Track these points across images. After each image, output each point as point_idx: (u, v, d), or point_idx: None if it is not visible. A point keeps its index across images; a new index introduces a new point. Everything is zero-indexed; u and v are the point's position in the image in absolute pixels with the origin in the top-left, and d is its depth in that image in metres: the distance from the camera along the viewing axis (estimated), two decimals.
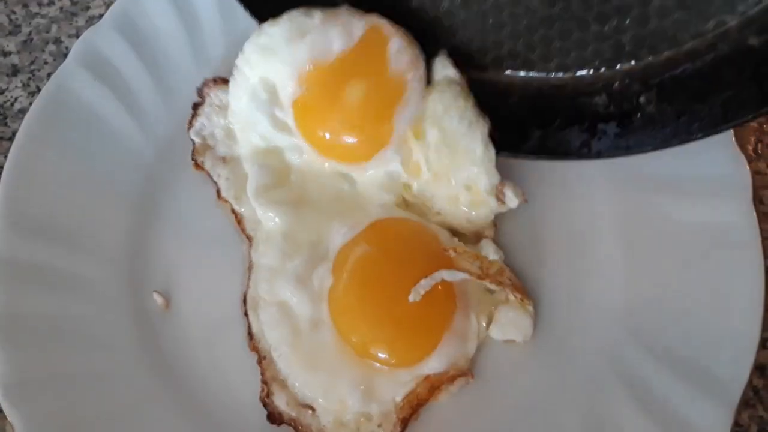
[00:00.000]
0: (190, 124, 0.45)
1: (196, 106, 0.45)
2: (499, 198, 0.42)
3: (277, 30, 0.41)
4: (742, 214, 0.40)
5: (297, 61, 0.41)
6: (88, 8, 0.54)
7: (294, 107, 0.42)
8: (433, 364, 0.38)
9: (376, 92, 0.42)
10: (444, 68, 0.43)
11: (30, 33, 0.53)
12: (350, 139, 0.42)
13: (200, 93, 0.45)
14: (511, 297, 0.40)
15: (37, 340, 0.39)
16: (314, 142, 0.43)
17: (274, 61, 0.41)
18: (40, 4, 0.54)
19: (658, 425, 0.36)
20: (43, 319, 0.39)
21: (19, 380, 0.37)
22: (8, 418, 0.37)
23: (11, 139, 0.49)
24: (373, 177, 0.43)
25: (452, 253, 0.40)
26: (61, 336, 0.39)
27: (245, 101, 0.43)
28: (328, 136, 0.42)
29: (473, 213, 0.42)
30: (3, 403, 0.37)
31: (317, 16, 0.41)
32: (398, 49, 0.42)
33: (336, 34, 0.41)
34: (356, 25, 0.42)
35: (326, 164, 0.44)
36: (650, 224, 0.42)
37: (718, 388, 0.37)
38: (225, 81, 0.44)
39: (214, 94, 0.45)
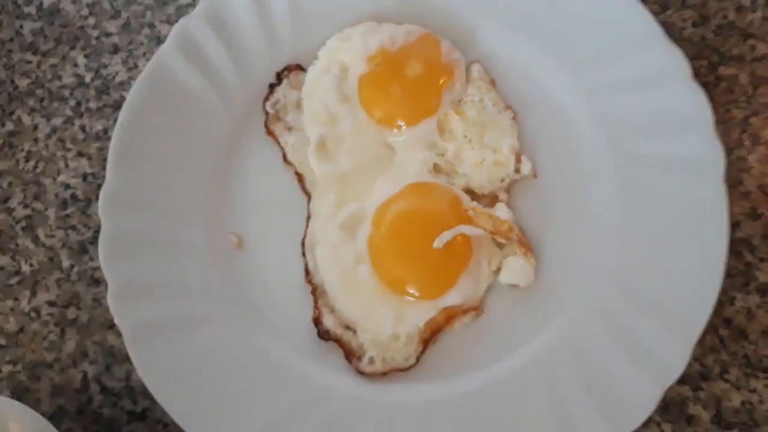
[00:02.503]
0: (267, 99, 0.55)
1: (272, 86, 0.55)
2: (517, 164, 0.51)
3: (356, 29, 0.52)
4: (714, 189, 0.47)
5: (368, 48, 0.51)
6: None
7: (360, 81, 0.52)
8: (451, 298, 0.47)
9: (431, 71, 0.53)
10: (478, 72, 0.54)
11: (128, 18, 0.63)
12: (405, 105, 0.52)
13: (279, 76, 0.55)
14: (518, 250, 0.49)
15: (137, 259, 0.49)
16: (371, 109, 0.53)
17: (349, 48, 0.51)
18: None
19: (629, 358, 0.45)
20: (145, 251, 0.50)
21: (125, 289, 0.47)
22: (115, 320, 0.47)
23: (113, 105, 0.60)
24: (413, 144, 0.53)
25: (471, 213, 0.49)
26: (157, 256, 0.49)
27: (319, 76, 0.53)
28: (385, 103, 0.52)
29: (494, 174, 0.52)
30: (112, 306, 0.47)
31: (387, 25, 0.53)
32: (448, 48, 0.54)
33: (400, 32, 0.53)
34: (416, 30, 0.54)
35: (374, 133, 0.53)
36: (638, 196, 0.49)
37: (682, 328, 0.45)
38: (299, 67, 0.55)
39: (291, 77, 0.55)
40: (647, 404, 0.43)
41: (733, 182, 0.54)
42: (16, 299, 0.54)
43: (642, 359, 0.45)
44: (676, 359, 0.44)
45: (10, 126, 0.59)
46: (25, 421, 0.44)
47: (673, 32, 0.59)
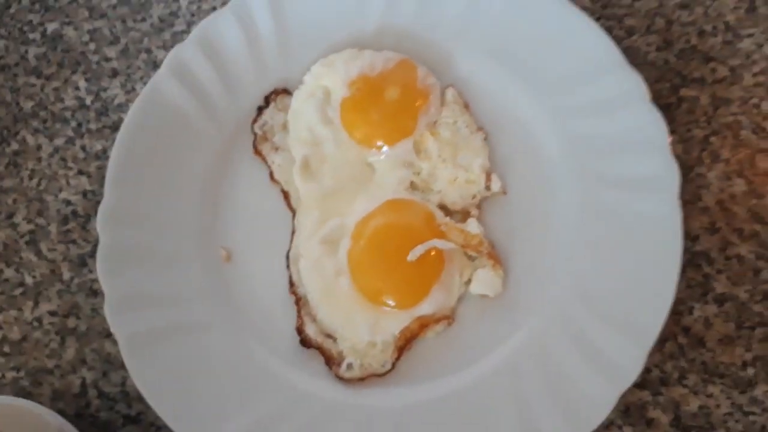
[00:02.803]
0: (255, 120, 0.58)
1: (260, 108, 0.59)
2: (487, 182, 0.55)
3: (339, 56, 0.56)
4: (670, 205, 0.50)
5: (350, 73, 0.55)
6: (173, 25, 0.67)
7: (342, 104, 0.55)
8: (424, 308, 0.50)
9: (408, 95, 0.57)
10: (453, 96, 0.58)
11: (127, 43, 0.67)
12: (384, 127, 0.56)
13: (267, 99, 0.59)
14: (487, 262, 0.52)
15: (133, 271, 0.52)
16: (352, 130, 0.56)
17: (333, 73, 0.55)
18: (134, 20, 0.68)
19: (589, 363, 0.48)
20: (140, 263, 0.54)
21: (121, 299, 0.51)
22: (111, 329, 0.50)
23: (111, 126, 0.64)
24: (391, 163, 0.56)
25: (444, 228, 0.52)
26: (151, 269, 0.53)
27: (304, 100, 0.57)
28: (365, 125, 0.56)
29: (466, 191, 0.55)
30: (108, 316, 0.50)
31: (367, 51, 0.57)
32: (425, 73, 0.58)
33: (379, 58, 0.57)
34: (394, 56, 0.57)
35: (355, 153, 0.57)
36: (600, 212, 0.52)
37: (638, 335, 0.48)
38: (286, 91, 0.59)
39: (278, 100, 0.59)
40: (605, 406, 0.47)
41: (693, 198, 0.57)
42: (19, 309, 0.57)
43: (601, 364, 0.48)
44: (632, 364, 0.47)
45: (15, 146, 0.63)
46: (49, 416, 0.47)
47: (637, 56, 0.63)
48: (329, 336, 0.52)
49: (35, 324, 0.57)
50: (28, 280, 0.58)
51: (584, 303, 0.50)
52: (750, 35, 0.63)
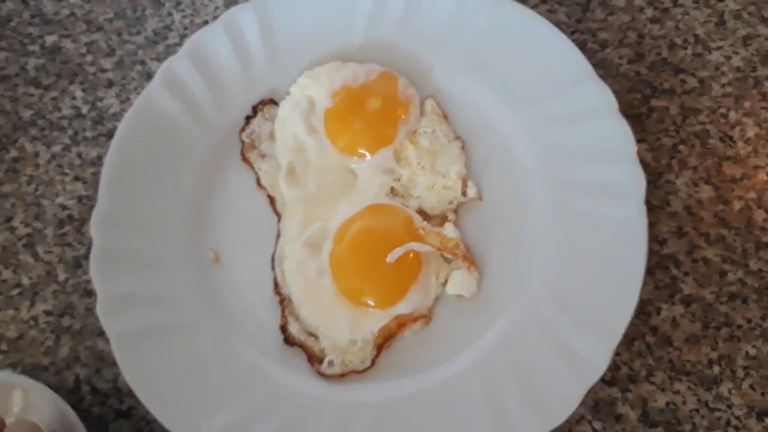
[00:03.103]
0: (243, 129, 0.61)
1: (248, 118, 0.61)
2: (464, 188, 0.57)
3: (324, 68, 0.59)
4: (635, 211, 0.53)
5: (334, 84, 0.57)
6: (166, 38, 0.70)
7: (326, 114, 0.58)
8: (402, 307, 0.53)
9: (388, 105, 0.59)
10: (432, 106, 0.61)
11: (122, 56, 0.70)
12: (365, 136, 0.58)
13: (254, 109, 0.61)
14: (462, 264, 0.55)
15: (125, 273, 0.54)
16: (335, 139, 0.59)
17: (317, 84, 0.58)
18: (130, 34, 0.70)
19: (558, 359, 0.50)
20: (132, 265, 0.56)
21: (113, 299, 0.53)
22: (104, 327, 0.52)
23: (107, 135, 0.66)
24: (372, 170, 0.59)
25: (422, 231, 0.55)
26: (142, 271, 0.55)
27: (290, 110, 0.59)
28: (348, 134, 0.58)
29: (443, 196, 0.58)
30: (101, 315, 0.52)
31: (350, 64, 0.59)
32: (405, 84, 0.60)
33: (362, 70, 0.59)
34: (376, 69, 0.60)
35: (338, 161, 0.59)
36: (570, 217, 0.55)
37: (605, 333, 0.50)
38: (272, 101, 0.62)
39: (265, 110, 0.61)
40: (573, 400, 0.49)
41: (661, 203, 0.60)
42: (16, 309, 0.60)
43: (570, 361, 0.50)
44: (599, 360, 0.49)
45: (14, 153, 0.66)
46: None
47: (610, 68, 0.65)
48: (311, 334, 0.54)
49: (31, 323, 0.59)
50: (25, 281, 0.61)
51: (554, 303, 0.53)
52: (719, 48, 0.66)
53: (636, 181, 0.54)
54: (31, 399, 0.52)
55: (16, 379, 0.53)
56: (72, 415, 0.51)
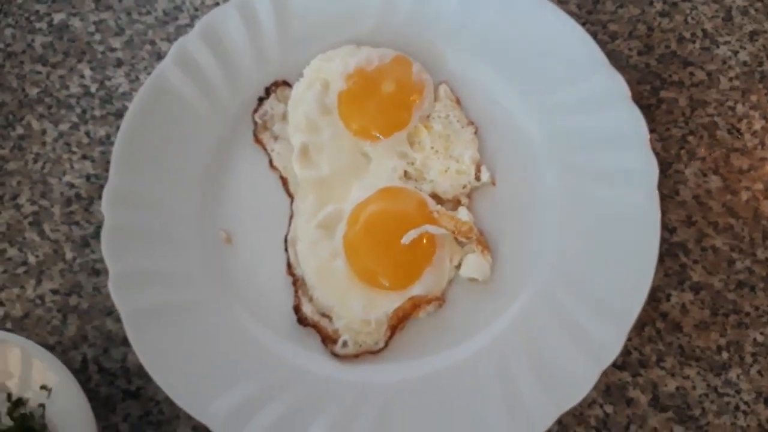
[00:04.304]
0: (256, 110, 0.61)
1: (261, 99, 0.61)
2: (477, 173, 0.58)
3: (337, 51, 0.59)
4: (648, 197, 0.53)
5: (347, 67, 0.57)
6: (176, 18, 0.69)
7: (339, 97, 0.58)
8: (416, 289, 0.53)
9: (403, 89, 0.60)
10: (445, 91, 0.61)
11: (131, 35, 0.69)
12: (379, 119, 0.58)
13: (267, 90, 0.61)
14: (476, 248, 0.55)
15: (136, 250, 0.54)
16: (349, 121, 0.59)
17: (331, 67, 0.58)
18: (139, 13, 0.70)
19: (572, 342, 0.51)
20: (143, 243, 0.55)
21: (124, 276, 0.52)
22: (115, 304, 0.52)
23: (115, 114, 0.66)
24: (386, 153, 0.59)
25: (436, 215, 0.55)
26: (154, 248, 0.55)
27: (303, 91, 0.59)
28: (362, 117, 0.58)
29: (457, 180, 0.58)
30: (113, 292, 0.51)
31: (364, 48, 0.59)
32: (419, 69, 0.60)
33: (376, 54, 0.59)
34: (390, 53, 0.60)
35: (351, 143, 0.59)
36: (582, 203, 0.56)
37: (618, 317, 0.50)
38: (286, 83, 0.61)
39: (278, 91, 0.61)
40: (587, 383, 0.49)
41: (671, 193, 0.61)
42: (22, 287, 0.59)
43: (583, 343, 0.50)
44: (613, 342, 0.50)
45: (20, 130, 0.65)
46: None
47: (620, 59, 0.66)
48: (325, 315, 0.54)
49: (37, 302, 0.58)
50: (31, 259, 0.60)
51: (567, 287, 0.53)
52: (726, 42, 0.67)
53: (649, 168, 0.55)
54: (31, 361, 0.51)
55: (12, 338, 0.51)
56: (71, 379, 0.50)
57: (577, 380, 0.49)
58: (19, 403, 0.50)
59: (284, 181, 0.59)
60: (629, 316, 0.51)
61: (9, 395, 0.51)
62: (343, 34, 0.63)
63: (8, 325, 0.57)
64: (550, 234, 0.56)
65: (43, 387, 0.50)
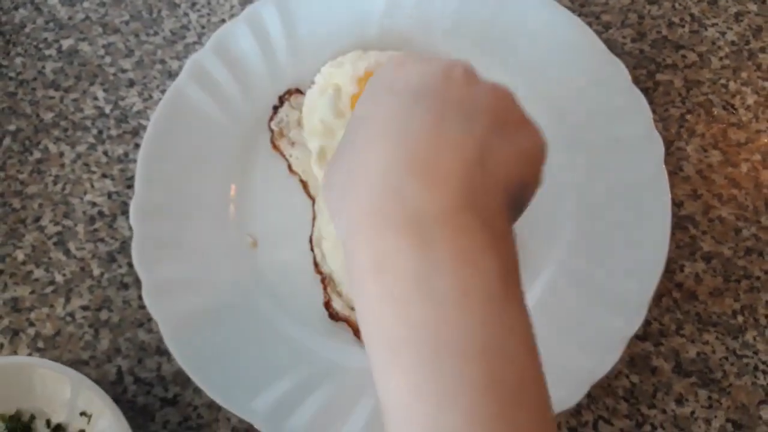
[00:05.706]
0: (271, 118, 0.63)
1: (275, 107, 0.63)
2: None
3: (346, 57, 0.60)
4: (656, 174, 0.56)
5: (357, 71, 0.59)
6: (184, 37, 0.71)
7: (352, 100, 0.60)
8: None
9: None
10: None
11: (141, 56, 0.71)
12: None
13: (281, 98, 0.63)
14: None
15: (166, 259, 0.55)
16: None
17: (342, 72, 0.60)
18: (147, 35, 0.72)
19: (600, 307, 0.53)
20: (173, 252, 0.57)
21: (157, 285, 0.54)
22: (151, 313, 0.53)
23: (131, 132, 0.67)
24: None
25: None
26: (183, 256, 0.56)
27: (316, 97, 0.61)
28: None
29: None
30: (147, 302, 0.53)
31: (372, 52, 0.61)
32: None
33: (383, 57, 0.61)
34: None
35: None
36: (592, 181, 0.58)
37: (641, 275, 0.53)
38: (298, 91, 0.63)
39: (291, 99, 0.63)
40: (620, 343, 0.51)
41: (675, 169, 0.63)
42: (51, 306, 0.60)
43: (610, 310, 0.53)
44: (639, 307, 0.53)
45: (37, 155, 0.66)
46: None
47: (615, 47, 0.69)
48: (354, 309, 0.55)
49: (68, 319, 0.59)
50: (59, 278, 0.61)
51: (589, 259, 0.55)
52: (714, 24, 0.70)
53: (654, 142, 0.57)
54: (72, 387, 0.51)
55: (52, 366, 0.52)
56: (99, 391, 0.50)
57: (611, 341, 0.52)
58: (59, 429, 0.51)
59: (304, 185, 0.61)
60: (652, 279, 0.53)
61: (48, 421, 0.52)
62: (350, 41, 0.65)
63: (39, 344, 0.58)
64: (565, 213, 0.58)
65: (83, 413, 0.51)
